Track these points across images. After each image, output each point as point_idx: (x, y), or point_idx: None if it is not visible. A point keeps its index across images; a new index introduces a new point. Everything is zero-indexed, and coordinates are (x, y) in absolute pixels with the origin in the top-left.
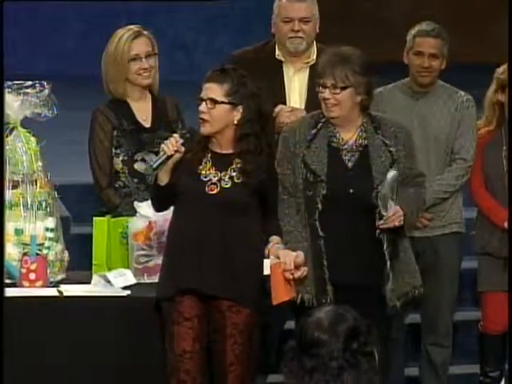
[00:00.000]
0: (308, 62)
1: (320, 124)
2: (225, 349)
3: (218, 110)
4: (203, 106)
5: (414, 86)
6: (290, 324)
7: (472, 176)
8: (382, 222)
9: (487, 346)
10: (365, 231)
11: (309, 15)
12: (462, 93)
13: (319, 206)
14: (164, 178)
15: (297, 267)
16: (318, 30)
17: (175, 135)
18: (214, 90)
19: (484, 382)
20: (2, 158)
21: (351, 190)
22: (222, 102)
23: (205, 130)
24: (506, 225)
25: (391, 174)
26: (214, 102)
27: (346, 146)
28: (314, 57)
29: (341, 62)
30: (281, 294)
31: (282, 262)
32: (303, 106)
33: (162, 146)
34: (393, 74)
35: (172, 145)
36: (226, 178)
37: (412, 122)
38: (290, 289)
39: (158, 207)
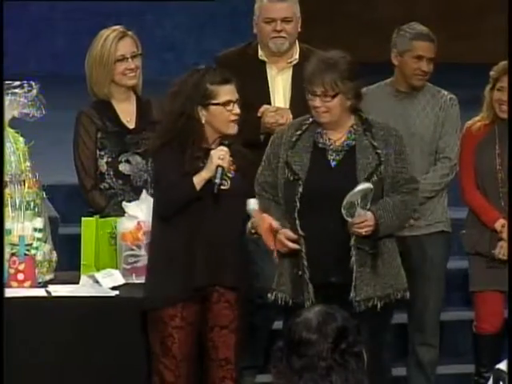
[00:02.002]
0: (291, 62)
1: (305, 126)
2: (221, 340)
3: None
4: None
5: (402, 86)
6: (279, 324)
7: (463, 175)
8: (348, 227)
9: (481, 346)
10: (345, 231)
11: (290, 15)
12: (446, 92)
13: (297, 204)
14: (201, 183)
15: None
16: (299, 30)
17: (223, 148)
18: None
19: (479, 382)
20: (2, 158)
21: (330, 189)
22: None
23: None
24: (496, 226)
25: (364, 185)
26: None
27: (332, 147)
28: (297, 56)
29: (329, 69)
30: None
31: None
32: (287, 106)
33: (218, 161)
34: (379, 74)
35: (226, 158)
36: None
37: (396, 121)
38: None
39: (176, 213)
